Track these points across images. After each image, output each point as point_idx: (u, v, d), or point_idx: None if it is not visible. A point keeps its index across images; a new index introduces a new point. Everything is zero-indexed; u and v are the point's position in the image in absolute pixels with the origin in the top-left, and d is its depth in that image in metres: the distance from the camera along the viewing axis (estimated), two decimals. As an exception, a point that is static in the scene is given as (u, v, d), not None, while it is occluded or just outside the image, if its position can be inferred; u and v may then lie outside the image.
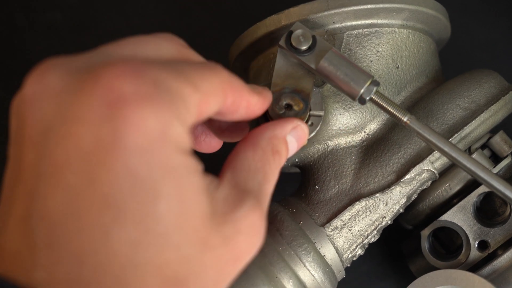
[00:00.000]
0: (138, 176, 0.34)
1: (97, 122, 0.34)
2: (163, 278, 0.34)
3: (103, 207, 0.33)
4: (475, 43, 0.74)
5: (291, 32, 0.49)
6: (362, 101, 0.48)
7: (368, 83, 0.47)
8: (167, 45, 0.40)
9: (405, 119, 0.48)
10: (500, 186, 0.48)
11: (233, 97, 0.41)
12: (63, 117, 0.35)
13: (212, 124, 0.47)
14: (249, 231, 0.38)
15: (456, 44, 0.66)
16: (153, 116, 0.34)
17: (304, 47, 0.48)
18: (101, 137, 0.34)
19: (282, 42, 0.49)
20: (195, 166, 0.36)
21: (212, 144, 0.48)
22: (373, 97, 0.48)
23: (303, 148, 0.54)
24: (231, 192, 0.39)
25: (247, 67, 0.59)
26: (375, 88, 0.47)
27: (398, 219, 0.58)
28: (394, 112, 0.48)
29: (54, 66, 0.36)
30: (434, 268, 0.56)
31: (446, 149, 0.48)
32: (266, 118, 0.49)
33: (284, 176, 0.61)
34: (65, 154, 0.34)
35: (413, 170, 0.52)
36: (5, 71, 0.75)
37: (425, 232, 0.57)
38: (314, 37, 0.48)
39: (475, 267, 0.55)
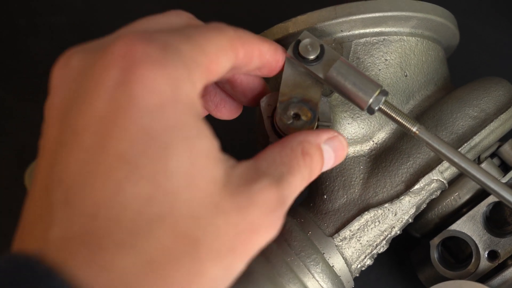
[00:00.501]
0: (150, 134, 0.35)
1: (112, 87, 0.36)
2: (175, 234, 0.35)
3: (116, 164, 0.35)
4: (483, 47, 0.73)
5: (298, 41, 0.48)
6: (370, 111, 0.47)
7: (376, 93, 0.47)
8: (176, 19, 0.42)
9: (414, 129, 0.47)
10: (511, 198, 0.47)
11: (244, 50, 0.42)
12: (83, 91, 0.37)
13: (234, 85, 0.48)
14: (264, 207, 0.38)
15: (463, 48, 0.65)
16: (164, 77, 0.36)
17: (312, 57, 0.48)
18: (116, 100, 0.36)
19: (289, 51, 0.48)
20: (207, 132, 0.38)
21: (232, 110, 0.50)
22: (382, 107, 0.47)
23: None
24: (249, 172, 0.40)
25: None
26: (384, 98, 0.47)
27: (407, 227, 0.58)
28: (403, 122, 0.47)
29: (74, 52, 0.39)
30: (443, 278, 0.56)
31: (456, 159, 0.47)
32: (275, 129, 0.49)
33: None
34: (83, 120, 0.36)
35: (422, 180, 0.52)
36: (5, 71, 0.75)
37: (434, 242, 0.56)
38: (322, 46, 0.48)
39: (485, 277, 0.54)
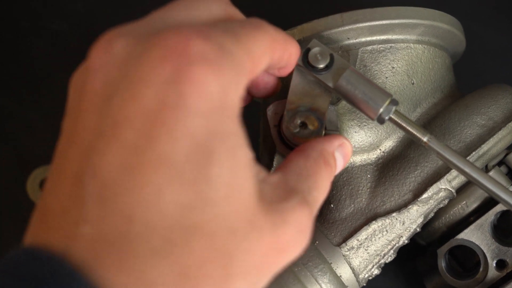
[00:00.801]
0: (196, 139, 0.34)
1: (163, 83, 0.34)
2: (211, 246, 0.34)
3: (160, 166, 0.33)
4: (487, 51, 0.73)
5: (308, 50, 0.48)
6: (381, 120, 0.47)
7: (387, 102, 0.46)
8: (215, 6, 0.40)
9: (425, 139, 0.47)
10: (523, 208, 0.47)
11: (279, 52, 0.42)
12: (128, 81, 0.35)
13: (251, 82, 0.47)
14: (296, 225, 0.37)
15: (467, 52, 0.65)
16: (217, 81, 0.34)
17: (321, 65, 0.47)
18: (165, 98, 0.34)
19: (299, 60, 0.48)
20: (246, 142, 0.36)
21: (245, 98, 0.49)
22: (392, 117, 0.47)
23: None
24: (280, 187, 0.39)
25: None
26: (394, 108, 0.46)
27: (413, 235, 0.57)
28: (414, 132, 0.47)
29: (119, 35, 0.37)
30: (450, 287, 0.55)
31: (466, 169, 0.47)
32: (281, 138, 0.48)
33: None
34: (127, 113, 0.34)
35: (431, 189, 0.52)
36: (7, 73, 0.74)
37: (442, 250, 0.56)
38: (331, 55, 0.47)
39: (493, 287, 0.54)
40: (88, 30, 0.75)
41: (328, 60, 0.47)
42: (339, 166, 0.45)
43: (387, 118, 0.46)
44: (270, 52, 0.40)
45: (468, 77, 0.70)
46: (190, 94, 0.34)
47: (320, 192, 0.41)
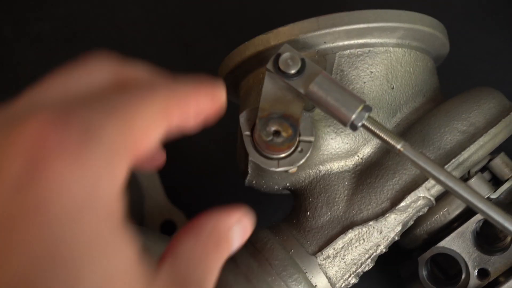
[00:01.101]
0: (58, 251, 0.29)
1: (14, 187, 0.29)
2: None
3: None
4: (477, 53, 0.72)
5: (279, 55, 0.46)
6: (353, 127, 0.46)
7: (359, 108, 0.45)
8: (100, 71, 0.35)
9: (398, 147, 0.46)
10: (500, 218, 0.45)
11: (179, 111, 0.35)
12: None
13: None
14: None
15: (457, 54, 0.64)
16: (81, 175, 0.29)
17: (292, 71, 0.46)
18: (17, 205, 0.29)
19: (269, 65, 0.47)
20: (125, 242, 0.31)
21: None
22: (365, 123, 0.46)
23: (294, 173, 0.51)
24: (171, 283, 0.35)
25: (238, 85, 0.57)
26: (367, 114, 0.45)
27: (397, 241, 0.56)
28: (387, 139, 0.46)
29: None
30: (433, 295, 0.54)
31: (442, 178, 0.45)
32: (255, 146, 0.47)
33: (278, 197, 0.59)
34: None
35: (409, 197, 0.50)
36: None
37: (423, 258, 0.55)
38: (303, 60, 0.46)
39: (474, 296, 0.53)
40: (71, 34, 0.75)
41: (299, 66, 0.46)
42: (236, 244, 0.40)
43: (359, 125, 0.45)
44: (164, 118, 0.34)
45: (460, 79, 0.69)
46: (47, 197, 0.29)
47: (212, 277, 0.37)
